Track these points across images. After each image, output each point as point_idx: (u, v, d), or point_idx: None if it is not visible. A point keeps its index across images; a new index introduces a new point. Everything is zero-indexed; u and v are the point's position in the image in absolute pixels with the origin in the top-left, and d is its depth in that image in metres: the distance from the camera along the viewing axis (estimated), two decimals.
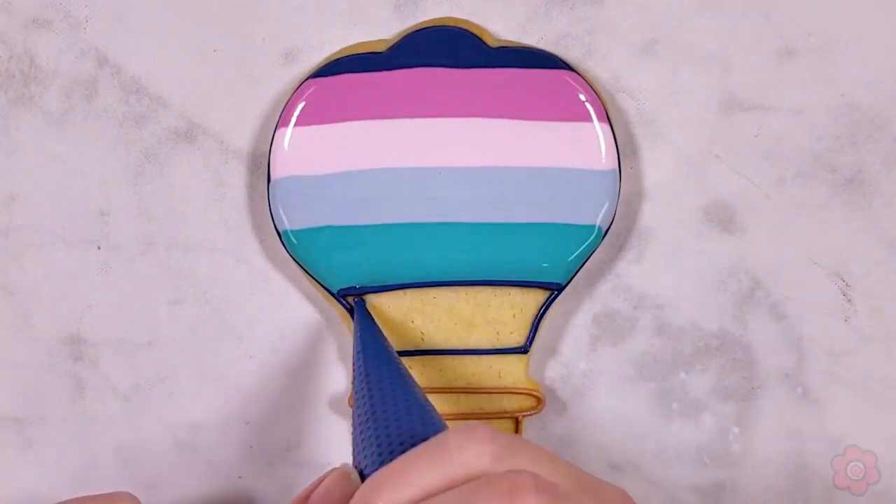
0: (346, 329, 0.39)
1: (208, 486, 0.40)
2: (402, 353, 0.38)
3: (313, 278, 0.38)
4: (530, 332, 0.38)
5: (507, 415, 0.38)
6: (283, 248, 0.38)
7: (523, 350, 0.38)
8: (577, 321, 0.39)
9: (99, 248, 0.40)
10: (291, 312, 0.40)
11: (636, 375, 0.39)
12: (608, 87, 0.39)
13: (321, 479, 0.29)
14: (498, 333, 0.38)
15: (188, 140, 0.40)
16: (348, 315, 0.38)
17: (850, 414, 0.39)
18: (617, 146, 0.37)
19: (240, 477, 0.40)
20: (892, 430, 0.39)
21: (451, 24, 0.38)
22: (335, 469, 0.29)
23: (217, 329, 0.40)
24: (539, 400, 0.38)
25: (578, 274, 0.38)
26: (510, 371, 0.38)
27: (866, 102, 0.38)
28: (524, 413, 0.38)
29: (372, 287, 0.38)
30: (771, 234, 0.39)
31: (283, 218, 0.38)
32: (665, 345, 0.39)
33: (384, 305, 0.38)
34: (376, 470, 0.27)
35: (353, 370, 0.34)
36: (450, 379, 0.38)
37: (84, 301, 0.40)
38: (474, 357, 0.38)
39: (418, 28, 0.39)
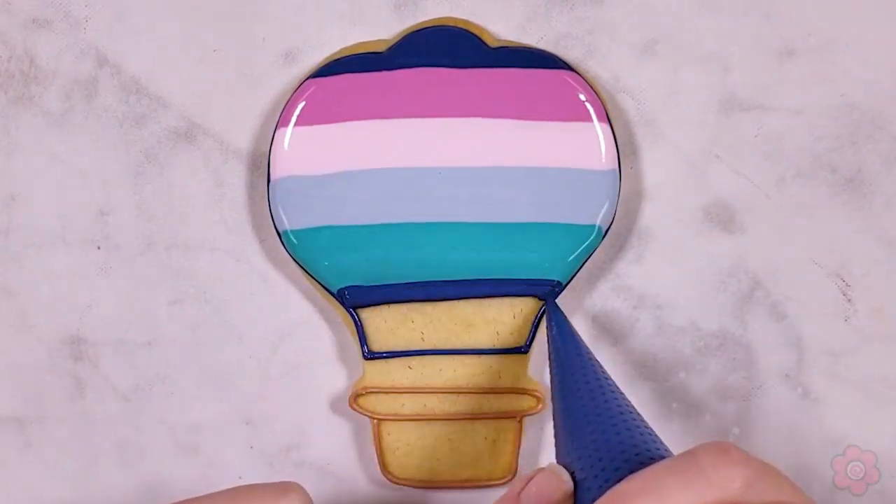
0: (346, 329, 0.39)
1: (208, 487, 0.40)
2: (402, 354, 0.38)
3: (313, 278, 0.38)
4: (530, 332, 0.38)
5: (507, 415, 0.38)
6: (283, 248, 0.38)
7: (523, 350, 0.38)
8: (577, 321, 0.39)
9: (99, 248, 0.40)
10: (291, 312, 0.40)
11: (636, 375, 0.39)
12: (608, 87, 0.39)
13: (530, 477, 0.29)
14: (498, 333, 0.38)
15: (188, 140, 0.40)
16: (348, 315, 0.38)
17: (850, 414, 0.39)
18: (617, 146, 0.37)
19: (240, 477, 0.40)
20: (892, 430, 0.39)
21: (451, 24, 0.38)
22: (545, 467, 0.29)
23: (217, 329, 0.40)
24: (539, 400, 0.38)
25: (578, 274, 0.38)
26: (510, 371, 0.38)
27: (866, 102, 0.38)
28: (524, 413, 0.38)
29: (372, 287, 0.38)
30: (771, 234, 0.39)
31: (283, 218, 0.38)
32: (665, 345, 0.39)
33: (384, 305, 0.38)
34: (593, 477, 0.28)
35: (552, 367, 0.34)
36: (450, 379, 0.38)
37: (84, 301, 0.40)
38: (474, 357, 0.38)
39: (418, 28, 0.39)
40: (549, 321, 0.37)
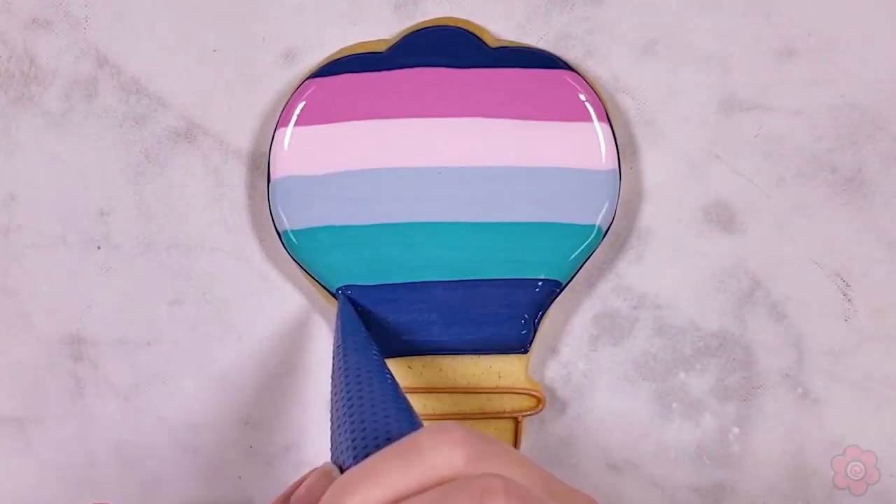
0: None
1: (208, 487, 0.40)
2: (402, 353, 0.38)
3: (313, 278, 0.38)
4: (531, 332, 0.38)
5: (507, 415, 0.38)
6: (283, 248, 0.38)
7: (523, 350, 0.38)
8: (577, 321, 0.39)
9: (99, 248, 0.40)
10: (291, 312, 0.40)
11: (636, 375, 0.39)
12: (608, 87, 0.39)
13: (303, 478, 0.29)
14: None
15: (188, 140, 0.40)
16: None
17: (850, 414, 0.39)
18: (617, 146, 0.37)
19: (240, 477, 0.40)
20: (892, 430, 0.39)
21: (451, 24, 0.38)
22: (317, 468, 0.29)
23: (217, 329, 0.40)
24: (539, 400, 0.38)
25: (578, 274, 0.38)
26: (510, 371, 0.38)
27: (866, 102, 0.38)
28: (524, 413, 0.38)
29: (372, 287, 0.38)
30: (771, 234, 0.39)
31: (283, 218, 0.38)
32: (665, 345, 0.39)
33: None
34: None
35: (332, 364, 0.34)
36: (450, 379, 0.38)
37: (84, 301, 0.40)
38: (474, 357, 0.38)
39: (418, 28, 0.39)
40: (336, 316, 0.36)
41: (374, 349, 0.34)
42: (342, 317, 0.36)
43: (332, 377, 0.33)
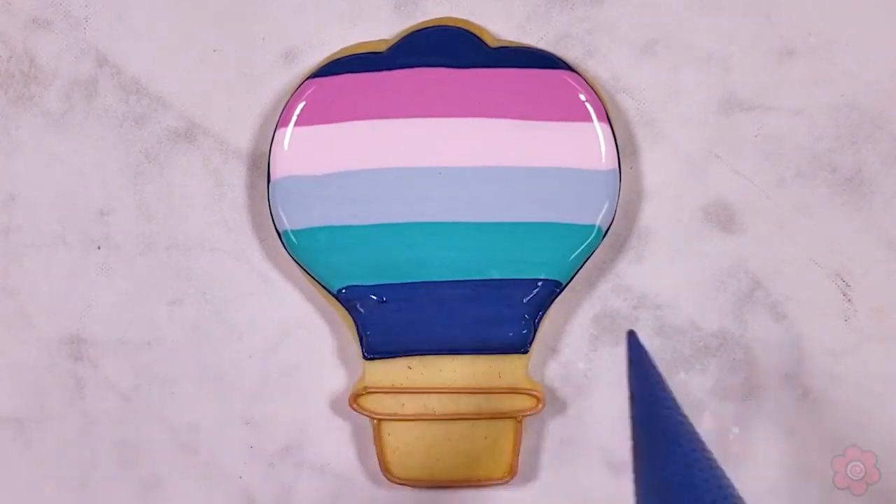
0: (346, 329, 0.39)
1: (208, 487, 0.40)
2: (402, 353, 0.38)
3: (313, 278, 0.38)
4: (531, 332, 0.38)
5: (507, 415, 0.38)
6: (283, 248, 0.38)
7: (523, 350, 0.38)
8: (577, 321, 0.39)
9: (99, 248, 0.40)
10: (291, 312, 0.40)
11: None
12: (608, 87, 0.39)
13: None
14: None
15: (188, 140, 0.40)
16: (348, 315, 0.38)
17: (850, 414, 0.39)
18: (617, 146, 0.37)
19: (240, 477, 0.40)
20: (892, 430, 0.39)
21: (451, 24, 0.38)
22: None
23: (217, 329, 0.40)
24: (539, 400, 0.38)
25: (578, 274, 0.38)
26: (510, 371, 0.38)
27: (866, 102, 0.38)
28: (524, 413, 0.38)
29: (372, 286, 0.38)
30: (771, 234, 0.39)
31: (283, 218, 0.38)
32: (665, 345, 0.39)
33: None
34: None
35: (632, 424, 0.30)
36: (450, 379, 0.38)
37: (84, 301, 0.40)
38: (474, 357, 0.38)
39: (418, 28, 0.39)
40: (630, 363, 0.32)
41: (670, 400, 0.30)
42: (633, 365, 0.32)
43: (632, 433, 0.29)
